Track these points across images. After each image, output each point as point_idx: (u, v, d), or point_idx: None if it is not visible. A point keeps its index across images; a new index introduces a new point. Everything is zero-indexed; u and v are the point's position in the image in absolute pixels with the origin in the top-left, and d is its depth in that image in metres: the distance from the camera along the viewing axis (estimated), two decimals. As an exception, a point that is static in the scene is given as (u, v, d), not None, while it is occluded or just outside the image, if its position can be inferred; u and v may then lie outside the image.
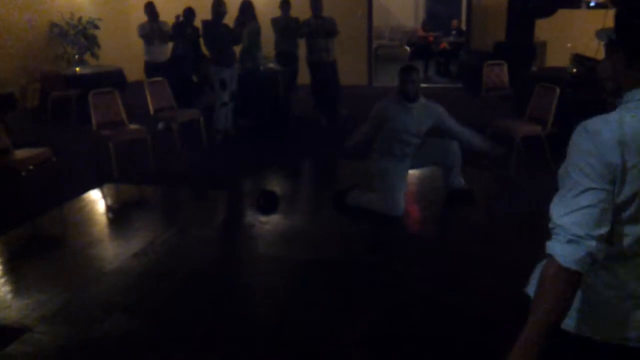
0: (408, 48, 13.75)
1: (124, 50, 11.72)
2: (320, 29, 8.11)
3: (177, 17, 8.23)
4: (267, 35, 8.77)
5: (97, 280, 3.81)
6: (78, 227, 4.90)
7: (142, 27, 8.31)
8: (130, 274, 3.91)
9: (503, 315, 3.32)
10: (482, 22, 11.03)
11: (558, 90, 5.64)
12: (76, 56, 10.29)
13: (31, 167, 5.30)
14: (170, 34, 8.25)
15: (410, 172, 5.97)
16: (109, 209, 5.34)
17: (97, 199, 5.45)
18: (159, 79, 7.33)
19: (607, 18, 9.66)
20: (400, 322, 3.28)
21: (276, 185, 5.90)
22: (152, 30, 8.27)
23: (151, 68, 8.25)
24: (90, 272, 3.95)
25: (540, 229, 4.60)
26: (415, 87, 4.61)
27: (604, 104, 6.08)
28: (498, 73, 8.07)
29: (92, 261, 4.16)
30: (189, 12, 8.09)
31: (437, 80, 12.37)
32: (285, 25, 8.60)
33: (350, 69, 10.98)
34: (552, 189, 4.93)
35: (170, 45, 8.32)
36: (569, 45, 7.74)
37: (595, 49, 8.16)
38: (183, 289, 3.71)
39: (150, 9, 8.28)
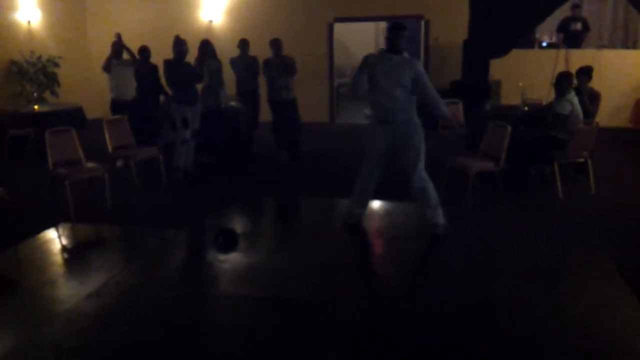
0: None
1: (85, 87, 11.68)
2: (280, 68, 8.24)
3: (116, 42, 8.29)
4: (229, 73, 8.87)
5: (49, 322, 3.72)
6: (31, 267, 4.80)
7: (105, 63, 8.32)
8: (83, 315, 3.82)
9: (466, 347, 3.37)
10: (439, 61, 11.34)
11: (509, 128, 5.83)
12: (35, 94, 10.21)
13: (-16, 207, 5.20)
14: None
15: (376, 207, 6.06)
16: (64, 249, 5.24)
17: (52, 239, 5.35)
18: (119, 116, 7.33)
19: (559, 57, 10.07)
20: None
21: (237, 223, 5.89)
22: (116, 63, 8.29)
23: (118, 105, 8.23)
24: (42, 314, 3.86)
25: (494, 264, 4.72)
26: (402, 43, 4.82)
27: (554, 140, 6.32)
28: (453, 111, 8.26)
29: (44, 302, 4.07)
30: (144, 50, 8.12)
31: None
32: (245, 65, 8.72)
33: (313, 106, 11.15)
34: (504, 222, 5.07)
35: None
36: (520, 84, 8.01)
37: (548, 89, 8.47)
38: (137, 331, 3.64)
39: (116, 48, 8.30)
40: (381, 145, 5.02)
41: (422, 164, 4.98)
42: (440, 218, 5.09)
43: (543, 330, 3.54)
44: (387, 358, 3.30)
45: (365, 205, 5.42)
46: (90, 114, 9.92)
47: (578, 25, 10.63)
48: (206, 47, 8.17)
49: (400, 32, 4.83)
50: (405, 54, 4.90)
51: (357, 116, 12.91)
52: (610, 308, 3.87)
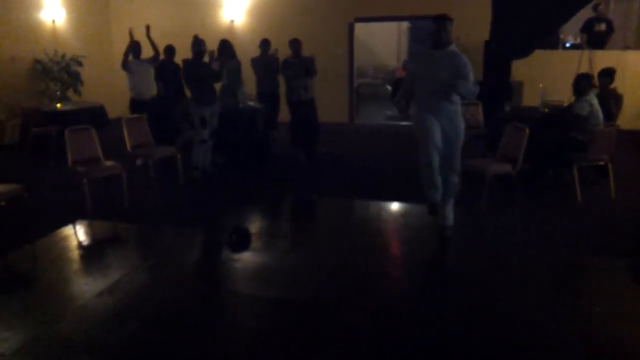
0: (389, 87, 13.96)
1: (108, 86, 11.81)
2: (299, 68, 8.24)
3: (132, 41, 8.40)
4: (250, 73, 8.91)
5: (61, 318, 3.78)
6: (47, 263, 4.87)
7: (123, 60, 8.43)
8: (95, 312, 3.87)
9: (471, 350, 3.34)
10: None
11: (528, 131, 5.75)
12: (58, 93, 10.36)
13: (3, 203, 5.28)
14: (154, 73, 8.40)
15: (388, 209, 6.04)
16: (79, 246, 5.31)
17: (68, 236, 5.43)
18: (138, 115, 7.41)
19: (582, 58, 9.92)
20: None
21: (252, 223, 5.90)
22: (135, 62, 8.39)
23: (137, 105, 8.34)
24: (55, 310, 3.92)
25: (508, 268, 4.65)
26: (444, 36, 4.80)
27: (574, 142, 6.21)
28: (473, 112, 8.20)
29: (58, 298, 4.14)
30: (169, 49, 8.21)
31: (417, 118, 12.53)
32: (266, 64, 8.75)
33: (333, 107, 11.15)
34: (519, 225, 5.00)
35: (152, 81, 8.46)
36: (540, 85, 7.90)
37: (570, 90, 8.34)
38: (148, 329, 3.67)
39: (134, 47, 8.41)
40: (432, 130, 4.90)
41: (459, 155, 5.00)
42: (451, 220, 5.07)
43: (557, 335, 3.49)
44: (391, 359, 3.29)
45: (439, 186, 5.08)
46: (113, 112, 10.04)
47: (602, 26, 10.44)
48: (225, 46, 8.21)
49: (439, 24, 4.84)
50: (452, 47, 4.89)
51: (377, 117, 12.88)
52: (627, 314, 3.80)
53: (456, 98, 4.92)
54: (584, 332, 3.56)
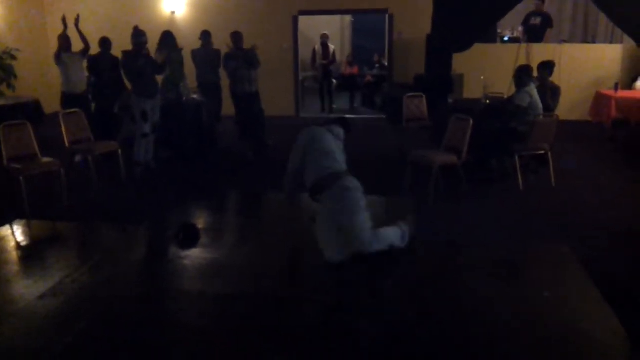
0: (335, 81, 13.99)
1: (43, 80, 11.38)
2: (242, 61, 8.15)
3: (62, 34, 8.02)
4: (190, 65, 8.76)
5: (0, 323, 3.59)
6: (-17, 266, 4.63)
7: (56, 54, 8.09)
8: (36, 316, 3.69)
9: (427, 349, 3.36)
10: (403, 56, 11.37)
11: (471, 122, 5.86)
12: (-10, 87, 9.91)
13: None
14: (87, 66, 8.12)
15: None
16: (17, 246, 5.06)
17: (5, 236, 5.16)
18: (75, 110, 7.14)
19: (520, 51, 10.19)
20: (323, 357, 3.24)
21: (198, 219, 5.78)
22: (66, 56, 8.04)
23: (69, 99, 8.02)
24: (-8, 315, 3.73)
25: (454, 257, 4.70)
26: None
27: (515, 132, 6.38)
28: (417, 105, 8.32)
29: (-5, 303, 3.94)
30: (104, 42, 7.94)
31: (362, 112, 12.69)
32: (206, 57, 8.61)
33: (278, 100, 11.10)
34: (465, 215, 5.04)
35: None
36: (482, 77, 8.07)
37: (509, 83, 8.56)
38: (92, 332, 3.54)
39: (64, 40, 8.07)
40: None
41: None
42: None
43: (505, 323, 3.56)
44: (349, 354, 3.27)
45: None
46: (49, 108, 9.67)
47: (537, 20, 10.77)
48: (167, 38, 8.02)
49: None
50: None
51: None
52: (572, 300, 3.91)
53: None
54: (531, 316, 3.64)
